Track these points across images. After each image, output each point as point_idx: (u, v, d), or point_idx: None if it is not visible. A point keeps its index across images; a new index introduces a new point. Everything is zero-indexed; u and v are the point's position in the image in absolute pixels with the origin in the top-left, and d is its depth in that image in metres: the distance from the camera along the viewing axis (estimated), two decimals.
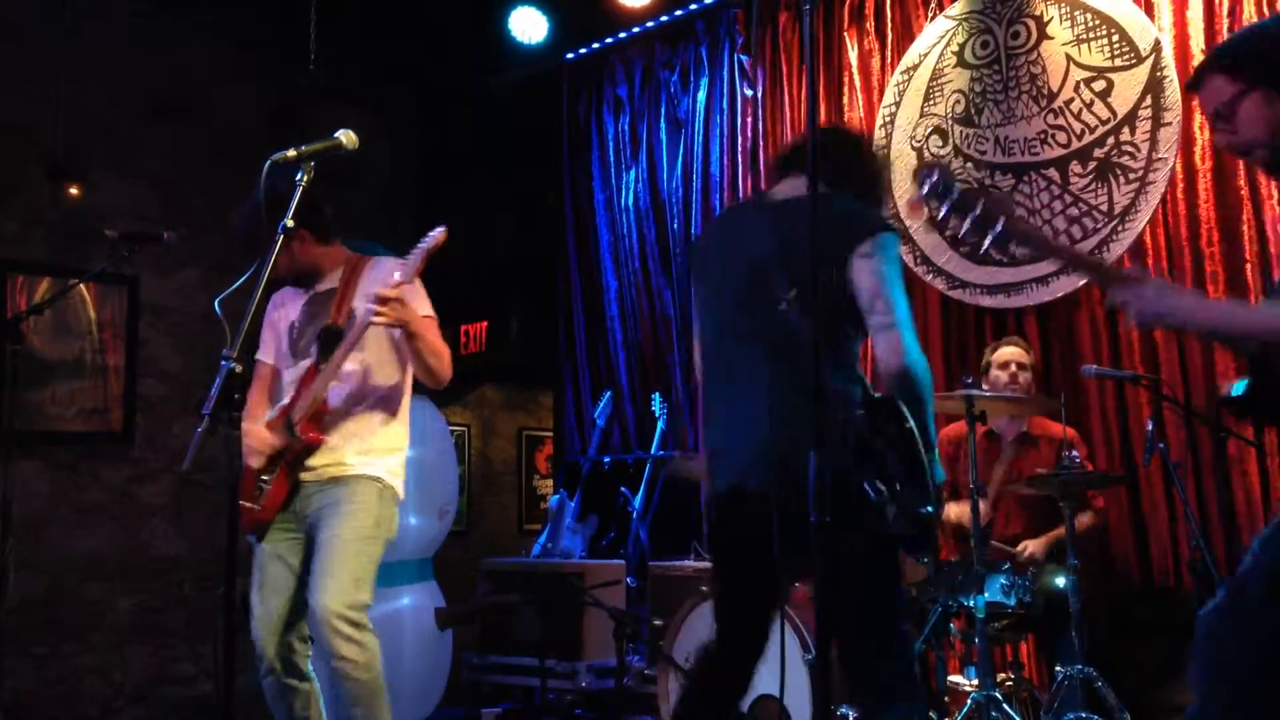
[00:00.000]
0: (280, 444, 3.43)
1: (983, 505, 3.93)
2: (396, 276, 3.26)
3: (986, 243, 2.24)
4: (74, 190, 5.78)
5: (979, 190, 2.28)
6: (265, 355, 3.70)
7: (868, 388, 2.73)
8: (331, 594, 3.23)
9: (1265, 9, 4.43)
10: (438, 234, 3.31)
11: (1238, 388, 2.27)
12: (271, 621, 3.35)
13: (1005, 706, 3.56)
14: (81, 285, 5.53)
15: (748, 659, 2.79)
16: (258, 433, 3.46)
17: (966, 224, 2.24)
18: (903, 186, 5.34)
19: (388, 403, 3.55)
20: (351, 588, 3.27)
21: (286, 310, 3.67)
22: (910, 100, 5.36)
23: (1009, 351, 4.47)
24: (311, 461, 3.42)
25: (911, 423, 2.54)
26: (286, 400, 3.51)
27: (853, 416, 2.54)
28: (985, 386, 4.35)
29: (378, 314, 3.22)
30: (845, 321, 2.69)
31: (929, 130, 5.30)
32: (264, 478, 3.43)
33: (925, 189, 2.26)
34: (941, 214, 2.26)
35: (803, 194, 2.49)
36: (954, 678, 4.02)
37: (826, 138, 2.76)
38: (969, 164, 5.15)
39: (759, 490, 2.60)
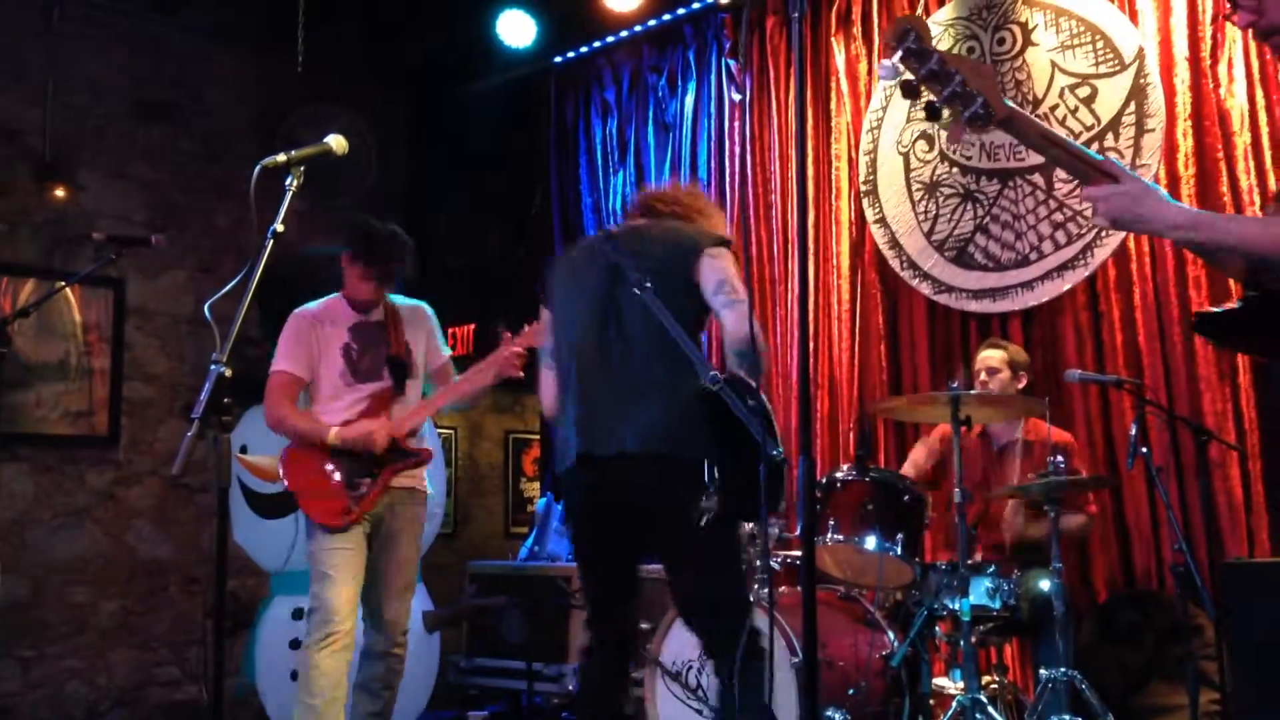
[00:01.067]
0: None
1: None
2: (521, 343, 4.13)
3: (963, 118, 2.05)
4: (61, 192, 5.77)
5: (962, 60, 2.07)
6: (294, 368, 3.98)
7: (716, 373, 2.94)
8: (405, 612, 3.98)
9: None
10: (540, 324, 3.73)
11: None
12: (349, 601, 3.83)
13: (990, 710, 3.57)
14: (67, 287, 5.51)
15: (616, 650, 3.13)
16: (379, 432, 3.90)
17: (944, 95, 2.05)
18: (891, 194, 5.37)
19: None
20: (411, 602, 4.04)
21: (334, 331, 4.00)
22: (897, 105, 5.38)
23: (981, 357, 4.49)
24: None
25: (756, 401, 2.80)
26: (355, 414, 3.94)
27: (712, 394, 2.83)
28: None
29: (514, 369, 4.12)
30: (696, 316, 3.09)
31: (915, 135, 5.33)
32: (358, 480, 3.88)
33: (901, 49, 2.05)
34: (919, 78, 2.07)
35: (650, 221, 3.25)
36: (939, 681, 4.04)
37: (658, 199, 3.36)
38: (955, 168, 5.18)
39: (634, 461, 2.94)
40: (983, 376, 4.41)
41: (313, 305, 4.06)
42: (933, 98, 2.06)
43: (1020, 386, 4.42)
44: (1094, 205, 2.04)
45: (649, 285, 2.95)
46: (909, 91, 2.09)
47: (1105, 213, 2.03)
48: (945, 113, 2.07)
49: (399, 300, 4.18)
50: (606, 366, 3.04)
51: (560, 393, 3.18)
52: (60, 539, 5.67)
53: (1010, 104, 2.06)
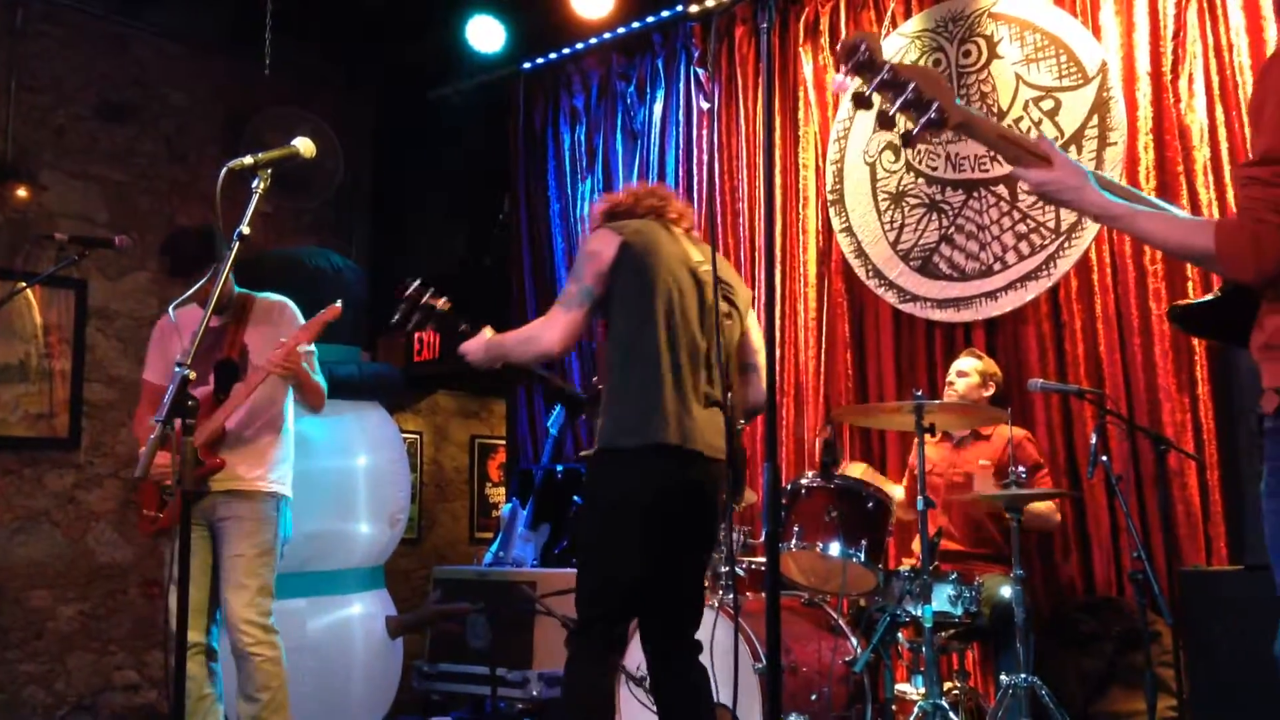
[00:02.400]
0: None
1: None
2: (300, 339, 3.78)
3: (918, 127, 2.04)
4: (22, 192, 5.71)
5: (914, 69, 2.06)
6: (153, 376, 4.03)
7: None
8: (243, 604, 3.79)
9: (1208, 34, 4.54)
10: (335, 307, 3.82)
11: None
12: (188, 610, 3.70)
13: (951, 715, 3.60)
14: (28, 288, 5.45)
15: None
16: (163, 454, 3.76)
17: (896, 105, 2.03)
18: (858, 203, 5.41)
19: (275, 422, 4.01)
20: (260, 597, 3.84)
21: (180, 337, 3.93)
22: (864, 115, 5.42)
23: (957, 362, 4.65)
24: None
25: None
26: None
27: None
28: None
29: (278, 369, 3.72)
30: None
31: (882, 145, 5.37)
32: (168, 485, 3.80)
33: (852, 62, 2.03)
34: (870, 90, 2.05)
35: (704, 244, 3.28)
36: (901, 686, 4.06)
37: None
38: (920, 179, 5.22)
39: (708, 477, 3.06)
40: (950, 377, 4.57)
41: (174, 309, 3.81)
42: (886, 107, 2.07)
43: (985, 395, 4.53)
44: (1030, 182, 2.07)
45: (733, 315, 3.23)
46: (861, 103, 2.09)
47: (1038, 195, 2.09)
48: (900, 120, 2.08)
49: (270, 297, 4.06)
50: (701, 372, 3.12)
51: (649, 373, 3.05)
52: (19, 542, 5.60)
53: (964, 106, 2.08)
